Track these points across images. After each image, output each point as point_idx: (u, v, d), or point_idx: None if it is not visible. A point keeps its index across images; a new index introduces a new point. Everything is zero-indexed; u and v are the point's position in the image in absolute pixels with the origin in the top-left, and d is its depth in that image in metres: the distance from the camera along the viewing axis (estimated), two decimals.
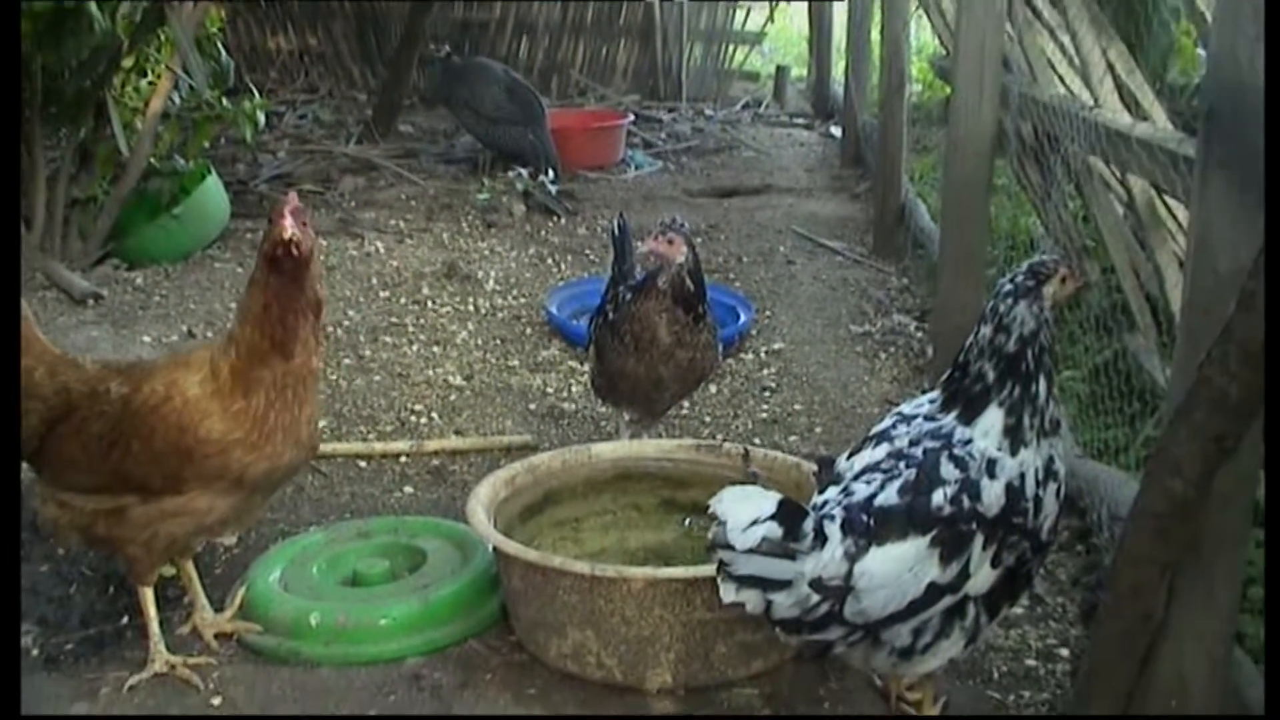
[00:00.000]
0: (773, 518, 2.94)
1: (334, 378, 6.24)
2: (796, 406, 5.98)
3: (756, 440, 5.44)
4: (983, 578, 3.11)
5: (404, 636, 3.89)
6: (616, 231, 5.24)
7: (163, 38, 7.85)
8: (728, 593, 3.02)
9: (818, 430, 5.70)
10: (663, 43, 14.49)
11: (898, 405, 3.56)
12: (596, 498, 4.47)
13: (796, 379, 6.33)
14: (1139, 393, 4.77)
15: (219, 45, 8.32)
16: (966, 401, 3.22)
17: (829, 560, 2.99)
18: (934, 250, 6.97)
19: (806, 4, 15.32)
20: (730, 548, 2.94)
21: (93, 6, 6.81)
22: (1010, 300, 3.21)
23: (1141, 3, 7.26)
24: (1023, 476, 3.13)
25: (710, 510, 3.01)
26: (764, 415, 5.89)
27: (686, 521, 4.38)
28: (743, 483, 3.59)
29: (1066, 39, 5.87)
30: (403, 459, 5.38)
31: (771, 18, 15.45)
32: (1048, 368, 3.20)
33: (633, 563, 4.13)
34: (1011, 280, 3.24)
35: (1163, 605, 3.15)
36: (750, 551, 2.94)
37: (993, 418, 3.18)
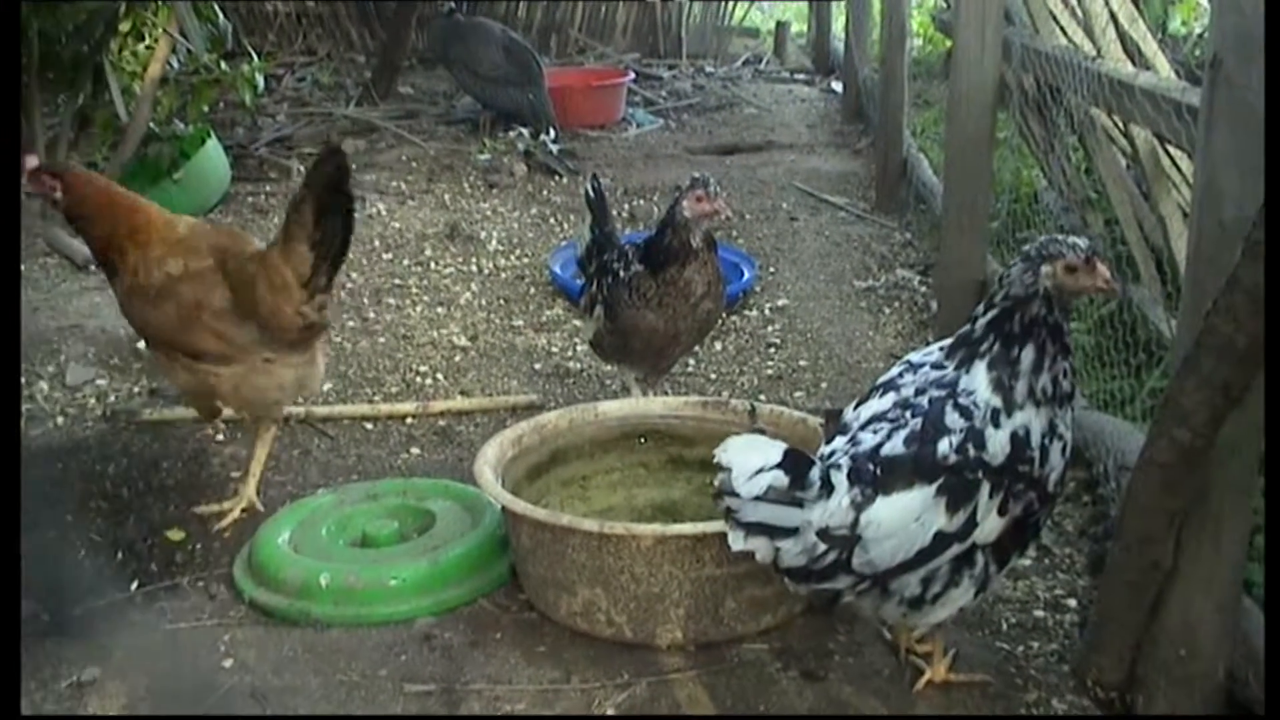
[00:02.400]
0: (779, 466, 2.97)
1: (338, 340, 6.24)
2: (801, 362, 5.98)
3: (762, 396, 5.44)
4: (990, 526, 3.11)
5: (414, 597, 3.91)
6: (591, 193, 5.23)
7: (160, 1, 7.80)
8: (736, 540, 3.05)
9: (823, 385, 5.70)
10: None
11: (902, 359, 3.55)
12: (604, 456, 4.47)
13: (801, 335, 6.33)
14: (1144, 344, 4.78)
15: (216, 8, 8.27)
16: (963, 350, 3.22)
17: (836, 509, 3.01)
18: (937, 205, 6.95)
19: None
20: (735, 495, 2.98)
21: None
22: (1017, 261, 3.19)
23: None
24: (1027, 427, 3.12)
25: (715, 459, 3.03)
26: (769, 371, 5.90)
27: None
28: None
29: None
30: (409, 420, 5.38)
31: None
32: (1041, 341, 3.12)
33: (641, 520, 4.14)
34: (1032, 245, 3.20)
35: (1171, 555, 3.16)
36: (756, 499, 2.97)
37: (979, 370, 3.17)
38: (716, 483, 3.02)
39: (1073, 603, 3.96)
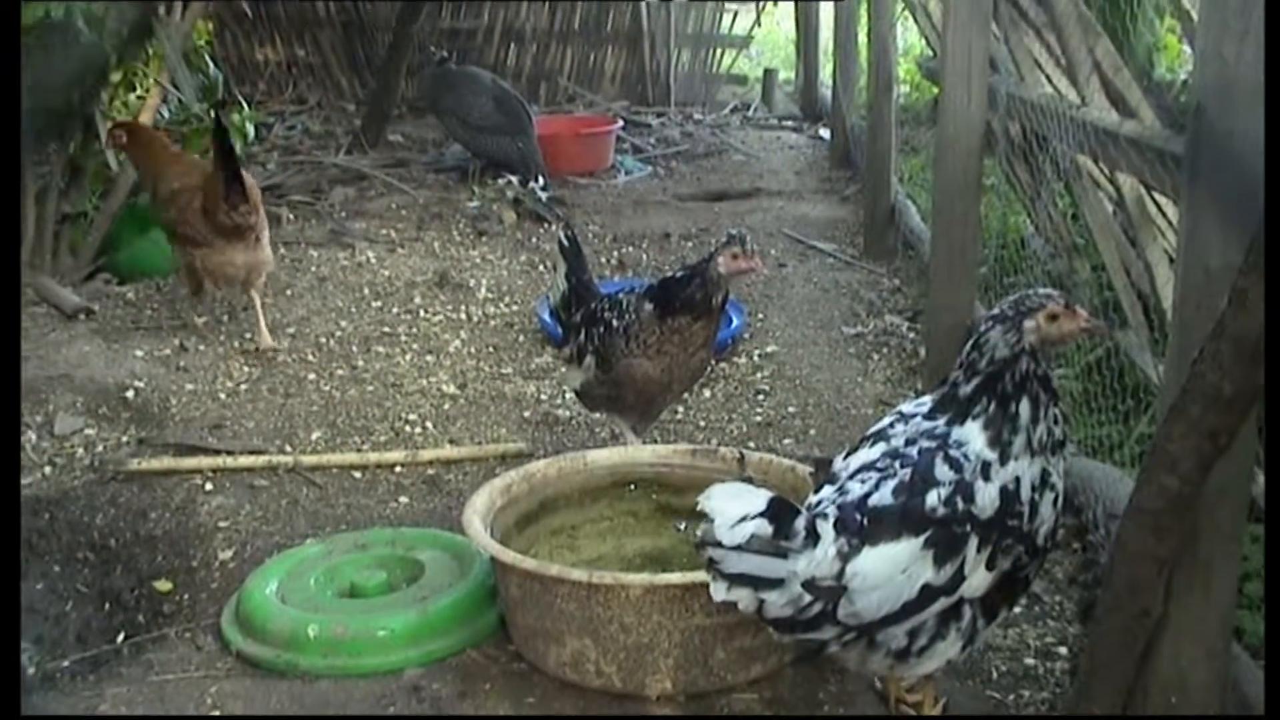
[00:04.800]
0: (763, 515, 2.93)
1: (327, 388, 6.23)
2: (790, 409, 5.98)
3: (751, 444, 5.43)
4: (978, 580, 3.10)
5: (402, 648, 3.89)
6: (565, 243, 5.23)
7: (151, 51, 7.84)
8: (718, 591, 3.01)
9: (812, 433, 5.69)
10: (650, 47, 14.47)
11: (891, 406, 3.55)
12: (593, 505, 4.46)
13: (790, 382, 6.33)
14: (1131, 390, 4.78)
15: (207, 58, 8.32)
16: (952, 409, 3.22)
17: (821, 559, 2.99)
18: (925, 251, 6.97)
19: (793, 6, 15.30)
20: (719, 544, 2.94)
21: (80, 20, 6.81)
22: (989, 324, 3.20)
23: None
24: (1018, 480, 3.12)
25: (699, 507, 3.01)
26: (758, 419, 5.89)
27: (683, 525, 4.38)
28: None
29: (1052, 38, 5.89)
30: (398, 469, 5.37)
31: (759, 21, 15.42)
32: (1035, 393, 3.15)
33: (630, 569, 4.12)
34: (999, 306, 3.24)
35: (1160, 602, 3.15)
36: (739, 549, 2.94)
37: (972, 429, 3.17)
38: (699, 533, 2.99)
39: (1063, 650, 3.95)
